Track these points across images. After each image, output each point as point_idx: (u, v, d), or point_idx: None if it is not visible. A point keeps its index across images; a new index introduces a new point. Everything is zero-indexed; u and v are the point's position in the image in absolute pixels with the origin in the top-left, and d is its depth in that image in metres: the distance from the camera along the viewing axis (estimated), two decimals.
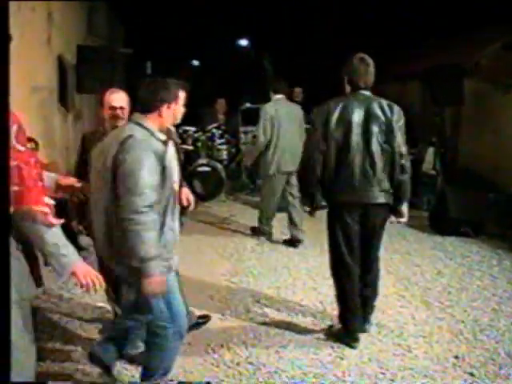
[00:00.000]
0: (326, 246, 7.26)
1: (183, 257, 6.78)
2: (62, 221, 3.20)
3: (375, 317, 5.65)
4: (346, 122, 4.92)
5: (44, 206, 3.10)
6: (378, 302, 5.62)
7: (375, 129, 4.96)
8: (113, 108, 4.91)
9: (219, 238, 8.60)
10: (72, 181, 3.83)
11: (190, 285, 6.66)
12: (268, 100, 8.96)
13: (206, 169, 11.47)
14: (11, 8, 7.34)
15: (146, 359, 4.21)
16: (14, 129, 2.96)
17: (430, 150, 11.67)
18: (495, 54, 10.96)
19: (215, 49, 24.66)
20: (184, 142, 12.77)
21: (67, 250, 3.26)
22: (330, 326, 5.52)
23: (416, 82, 13.09)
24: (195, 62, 32.13)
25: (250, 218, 9.63)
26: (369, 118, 4.95)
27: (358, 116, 4.94)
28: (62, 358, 4.88)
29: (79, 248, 8.04)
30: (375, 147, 4.96)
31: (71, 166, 10.80)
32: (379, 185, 5.01)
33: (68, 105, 11.21)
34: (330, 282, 6.81)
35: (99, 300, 5.82)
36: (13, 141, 2.92)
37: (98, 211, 3.82)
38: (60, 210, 7.91)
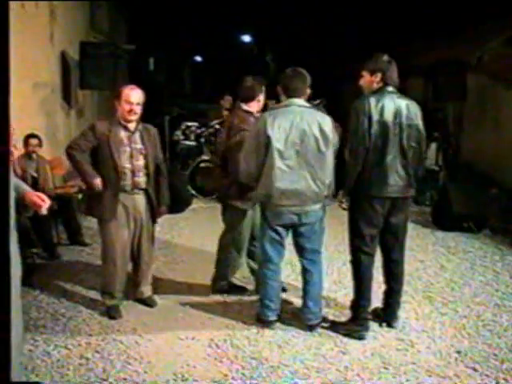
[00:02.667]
0: (328, 242, 7.29)
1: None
2: None
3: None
4: (383, 120, 5.01)
5: None
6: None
7: (406, 127, 5.09)
8: (130, 103, 5.44)
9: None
10: (37, 198, 3.78)
11: (197, 279, 6.70)
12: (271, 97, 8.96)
13: (209, 165, 11.45)
14: (14, 4, 7.32)
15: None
16: None
17: (433, 146, 11.66)
18: (498, 50, 10.95)
19: (218, 45, 24.66)
20: (186, 137, 12.78)
21: None
22: (333, 321, 5.54)
23: (418, 77, 13.09)
24: (198, 58, 32.13)
25: None
26: (400, 115, 5.06)
27: (391, 113, 5.03)
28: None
29: (83, 244, 8.10)
30: (406, 144, 5.11)
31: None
32: (409, 179, 5.19)
33: (71, 101, 11.23)
34: (332, 278, 6.86)
35: None
36: None
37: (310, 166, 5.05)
38: (65, 205, 7.97)
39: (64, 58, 10.73)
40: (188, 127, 12.99)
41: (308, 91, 5.29)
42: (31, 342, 5.04)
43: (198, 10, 18.77)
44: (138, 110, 5.51)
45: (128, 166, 5.47)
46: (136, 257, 5.83)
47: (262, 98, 6.03)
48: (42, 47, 9.56)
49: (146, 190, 5.62)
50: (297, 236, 5.34)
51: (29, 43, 8.51)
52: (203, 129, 12.74)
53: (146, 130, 5.68)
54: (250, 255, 6.32)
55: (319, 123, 5.06)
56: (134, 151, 5.52)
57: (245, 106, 5.96)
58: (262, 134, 4.99)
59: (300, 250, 5.39)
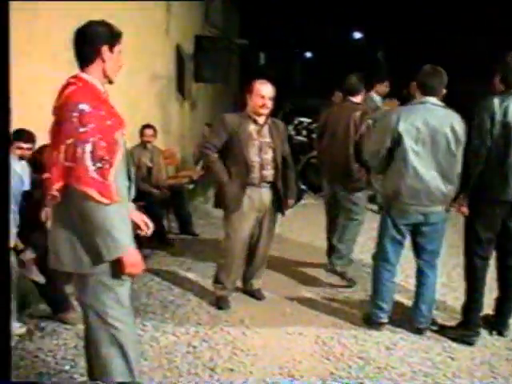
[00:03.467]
0: None
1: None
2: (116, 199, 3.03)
3: None
4: (506, 121, 4.87)
5: (89, 185, 2.95)
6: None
7: None
8: (262, 97, 5.51)
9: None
10: (141, 222, 3.60)
11: (305, 274, 6.72)
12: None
13: None
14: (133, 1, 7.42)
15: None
16: (76, 113, 2.94)
17: None
18: None
19: (329, 41, 24.61)
20: (298, 133, 12.81)
21: (120, 233, 3.07)
22: (442, 325, 5.43)
23: None
24: (308, 54, 32.18)
25: None
26: None
27: None
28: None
29: (193, 234, 8.28)
30: None
31: (186, 153, 11.08)
32: None
33: (185, 93, 11.45)
34: (441, 280, 6.62)
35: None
36: (75, 122, 2.93)
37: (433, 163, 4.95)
38: (176, 195, 8.15)
39: (179, 51, 10.95)
40: (300, 122, 13.03)
41: (444, 91, 5.17)
42: (140, 326, 5.17)
43: (310, 5, 18.78)
44: (270, 104, 5.55)
45: (257, 159, 5.49)
46: (253, 249, 5.87)
47: (364, 92, 6.80)
48: (158, 40, 9.79)
49: (273, 184, 5.64)
50: (418, 236, 5.22)
51: (146, 37, 8.74)
52: (315, 124, 12.71)
53: (274, 124, 5.71)
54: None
55: (451, 123, 4.93)
56: (262, 145, 5.55)
57: (353, 99, 6.57)
58: (392, 129, 4.93)
59: (419, 250, 5.28)
